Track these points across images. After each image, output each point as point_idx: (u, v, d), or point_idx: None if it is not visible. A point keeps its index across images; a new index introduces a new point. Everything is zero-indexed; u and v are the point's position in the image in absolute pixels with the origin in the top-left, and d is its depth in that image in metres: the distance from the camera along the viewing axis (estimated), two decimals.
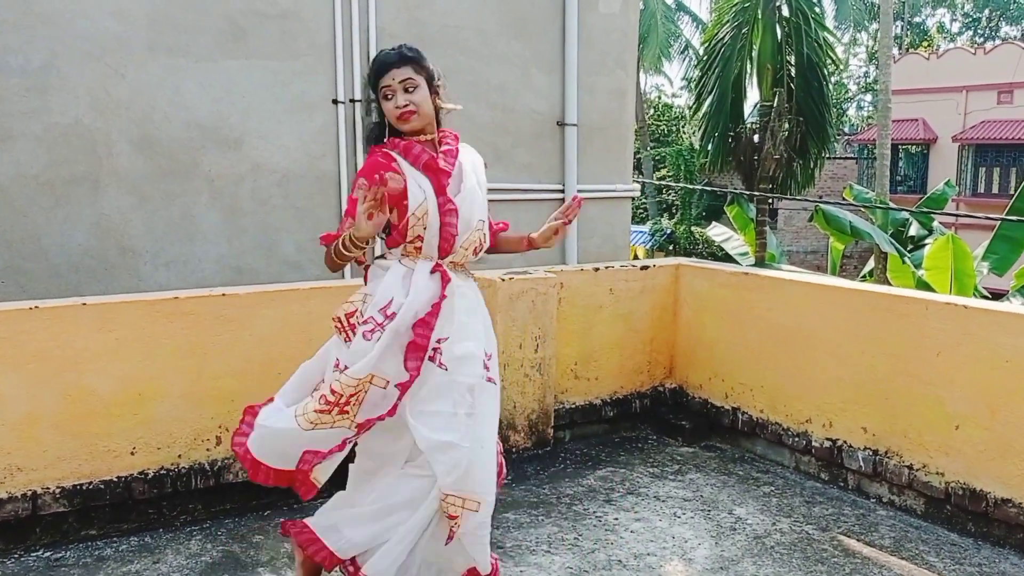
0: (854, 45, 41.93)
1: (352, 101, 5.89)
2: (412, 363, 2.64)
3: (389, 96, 2.67)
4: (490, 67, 6.50)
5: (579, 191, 7.10)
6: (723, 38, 13.82)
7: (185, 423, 3.78)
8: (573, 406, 4.76)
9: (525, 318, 4.34)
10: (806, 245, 28.78)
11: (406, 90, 2.67)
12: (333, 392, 2.61)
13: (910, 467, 3.90)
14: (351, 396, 2.61)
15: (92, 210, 5.25)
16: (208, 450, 3.84)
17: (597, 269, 4.77)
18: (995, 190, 25.52)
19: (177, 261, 5.54)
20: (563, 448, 4.71)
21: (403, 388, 2.61)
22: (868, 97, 42.27)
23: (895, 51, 38.60)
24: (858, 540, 3.67)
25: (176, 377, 3.73)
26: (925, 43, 39.04)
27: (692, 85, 35.69)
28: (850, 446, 4.14)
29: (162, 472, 3.74)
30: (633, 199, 7.68)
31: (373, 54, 5.87)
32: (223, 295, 3.78)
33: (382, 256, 2.84)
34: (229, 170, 5.65)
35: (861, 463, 4.09)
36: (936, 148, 27.26)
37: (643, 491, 4.16)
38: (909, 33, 37.88)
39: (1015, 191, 25.27)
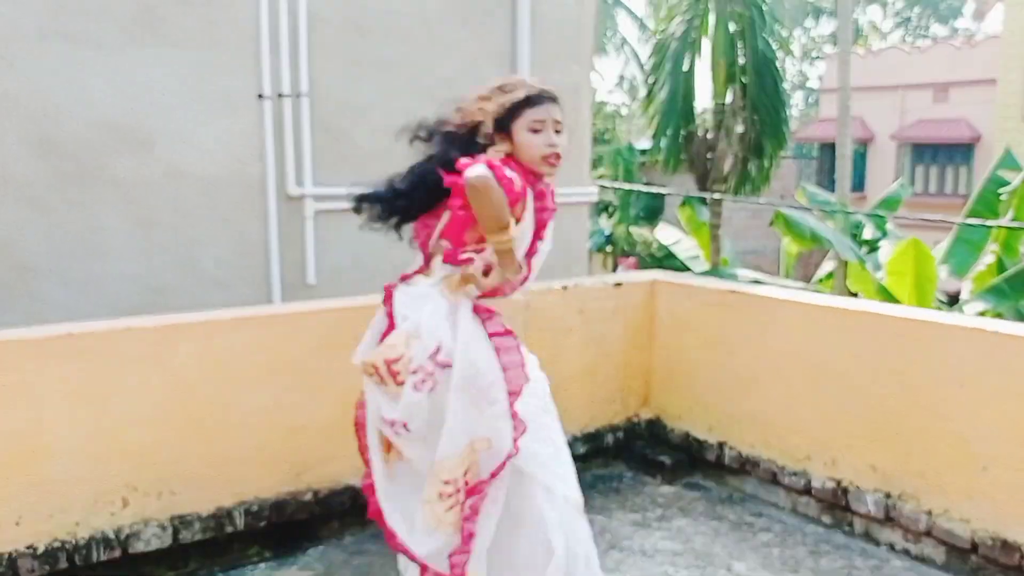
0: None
1: (280, 96, 5.22)
2: (508, 357, 2.62)
3: (539, 130, 2.53)
4: (435, 59, 5.89)
5: None
6: (674, 32, 13.33)
7: (83, 484, 3.12)
8: None
9: None
10: (746, 245, 28.51)
11: (557, 131, 2.56)
12: (447, 483, 2.44)
13: (928, 512, 3.44)
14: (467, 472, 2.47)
15: None
16: (112, 514, 3.18)
17: (566, 287, 4.20)
18: (931, 189, 25.68)
19: (84, 280, 4.82)
20: None
21: (514, 395, 2.55)
22: (800, 95, 42.61)
23: (828, 48, 38.92)
24: None
25: (72, 430, 3.06)
26: (860, 41, 39.38)
27: (627, 82, 35.51)
28: (858, 487, 3.66)
29: (55, 545, 3.07)
30: (591, 204, 7.14)
31: (304, 42, 5.24)
32: (127, 329, 3.13)
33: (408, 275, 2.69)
34: (143, 176, 4.95)
35: (871, 507, 3.61)
36: (873, 147, 27.37)
37: (626, 544, 3.62)
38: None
39: (952, 190, 25.73)
